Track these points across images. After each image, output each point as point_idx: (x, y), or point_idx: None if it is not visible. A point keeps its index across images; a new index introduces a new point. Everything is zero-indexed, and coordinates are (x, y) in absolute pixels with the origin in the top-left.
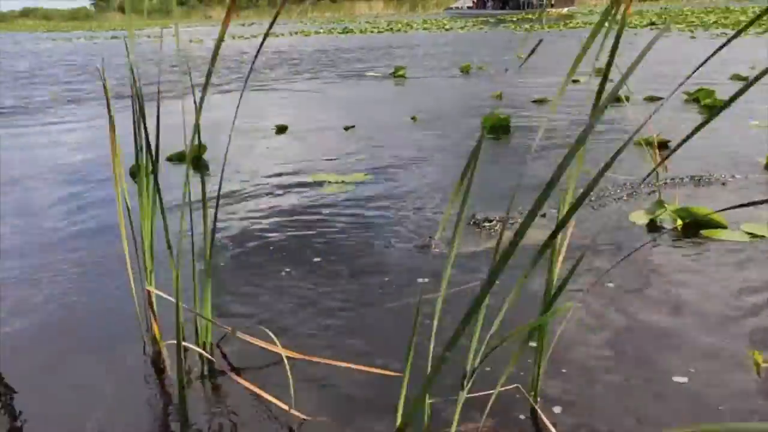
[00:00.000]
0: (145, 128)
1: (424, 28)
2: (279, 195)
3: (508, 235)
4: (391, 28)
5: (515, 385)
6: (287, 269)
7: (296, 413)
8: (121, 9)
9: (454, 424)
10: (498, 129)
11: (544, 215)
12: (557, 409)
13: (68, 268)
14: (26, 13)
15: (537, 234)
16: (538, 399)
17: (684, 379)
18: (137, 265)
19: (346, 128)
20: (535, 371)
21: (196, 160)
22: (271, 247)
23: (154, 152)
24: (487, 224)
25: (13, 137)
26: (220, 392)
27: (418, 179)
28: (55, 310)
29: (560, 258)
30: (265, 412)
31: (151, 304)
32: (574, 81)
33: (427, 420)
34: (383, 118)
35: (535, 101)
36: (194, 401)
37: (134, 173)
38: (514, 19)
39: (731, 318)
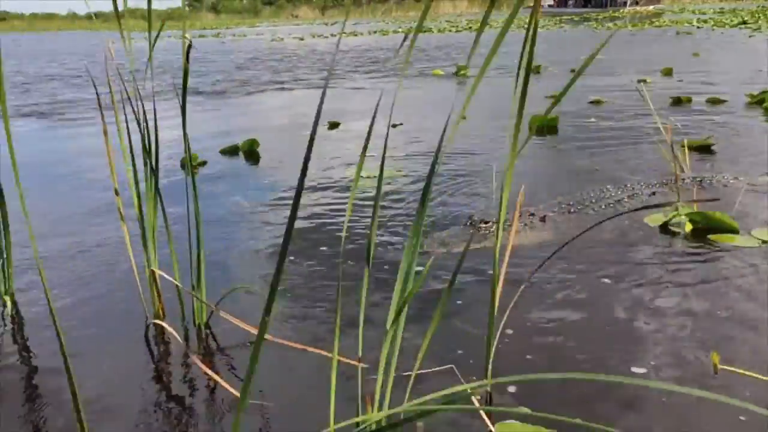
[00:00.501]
0: (184, 126)
1: (496, 27)
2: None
3: (503, 236)
4: (470, 27)
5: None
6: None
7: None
8: (213, 9)
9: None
10: (544, 129)
11: (543, 218)
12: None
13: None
14: (129, 13)
15: (532, 236)
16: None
17: (642, 370)
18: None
19: (394, 126)
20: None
21: (249, 153)
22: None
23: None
24: (483, 225)
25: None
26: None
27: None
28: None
29: (506, 258)
30: (220, 394)
31: (155, 282)
32: (642, 81)
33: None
34: (432, 116)
35: (591, 102)
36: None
37: (183, 165)
38: (598, 17)
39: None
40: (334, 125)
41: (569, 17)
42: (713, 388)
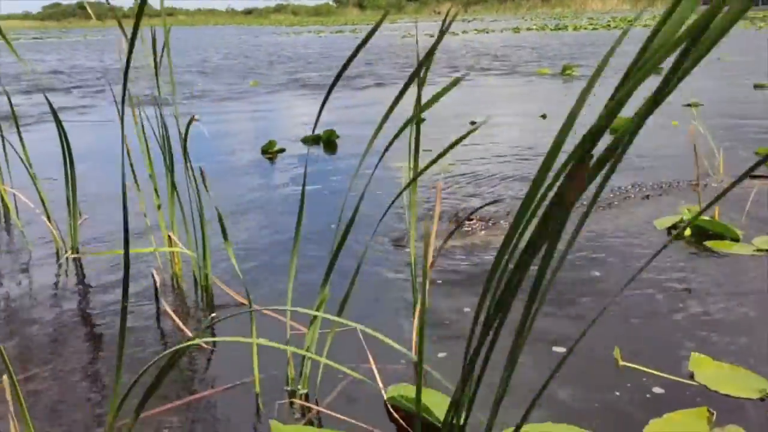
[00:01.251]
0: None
1: (644, 25)
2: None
3: (485, 234)
4: (608, 25)
5: None
6: None
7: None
8: (359, 5)
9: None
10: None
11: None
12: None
13: None
14: (279, 9)
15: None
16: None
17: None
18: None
19: (472, 123)
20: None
21: (327, 142)
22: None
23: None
24: (466, 223)
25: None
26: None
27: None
28: None
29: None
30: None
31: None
32: (759, 86)
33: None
34: (517, 113)
35: (687, 105)
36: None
37: (264, 151)
38: (747, 16)
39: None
40: (473, 122)
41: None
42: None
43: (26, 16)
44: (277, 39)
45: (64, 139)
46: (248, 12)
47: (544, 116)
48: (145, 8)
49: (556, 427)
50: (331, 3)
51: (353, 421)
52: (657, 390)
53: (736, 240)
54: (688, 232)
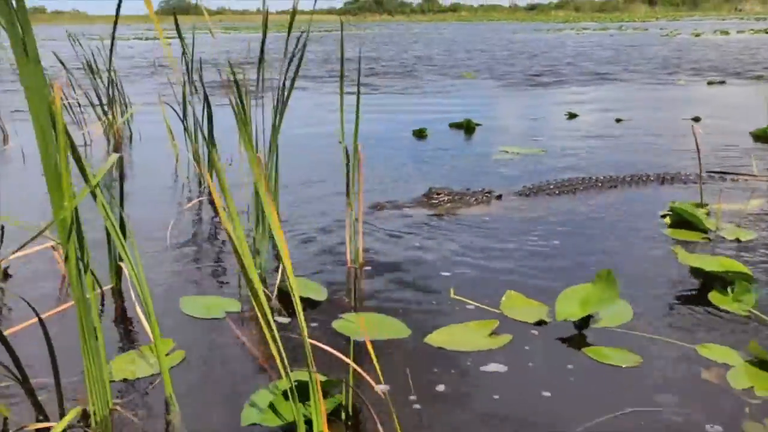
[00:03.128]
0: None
1: None
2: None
3: (450, 206)
4: None
5: None
6: None
7: None
8: (649, 1)
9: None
10: None
11: (500, 196)
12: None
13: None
14: (561, 5)
15: (477, 209)
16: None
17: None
18: None
19: (571, 115)
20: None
21: (467, 128)
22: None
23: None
24: (435, 197)
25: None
26: None
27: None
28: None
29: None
30: None
31: None
32: None
33: None
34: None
35: None
36: None
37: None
38: None
39: None
40: (572, 116)
41: None
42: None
43: (330, 11)
44: (537, 36)
45: None
46: (531, 8)
47: None
48: (431, 5)
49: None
50: None
51: None
52: (470, 309)
53: (705, 231)
54: (668, 220)
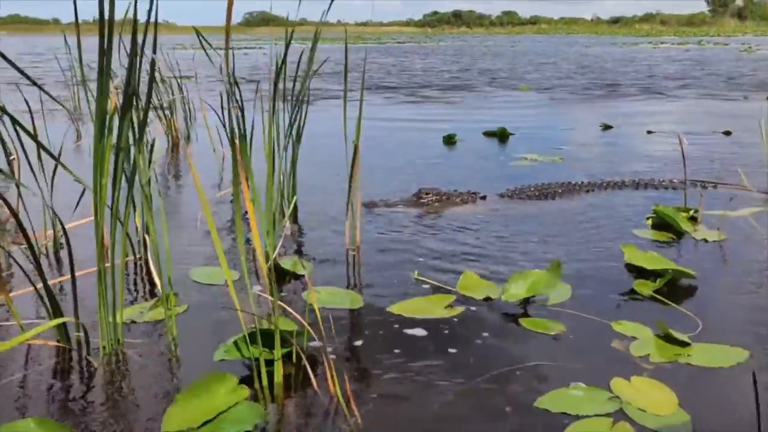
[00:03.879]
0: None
1: None
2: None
3: (438, 206)
4: None
5: None
6: None
7: None
8: (738, 15)
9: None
10: None
11: (484, 197)
12: None
13: None
14: (646, 18)
15: (461, 208)
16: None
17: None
18: None
19: (605, 127)
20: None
21: (501, 136)
22: None
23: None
24: (424, 196)
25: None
26: None
27: None
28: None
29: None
30: None
31: None
32: None
33: None
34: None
35: None
36: None
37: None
38: None
39: None
40: (607, 127)
41: None
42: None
43: (408, 22)
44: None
45: None
46: (614, 21)
47: None
48: (510, 17)
49: None
50: (706, 12)
51: None
52: (430, 288)
53: (680, 233)
54: (649, 222)
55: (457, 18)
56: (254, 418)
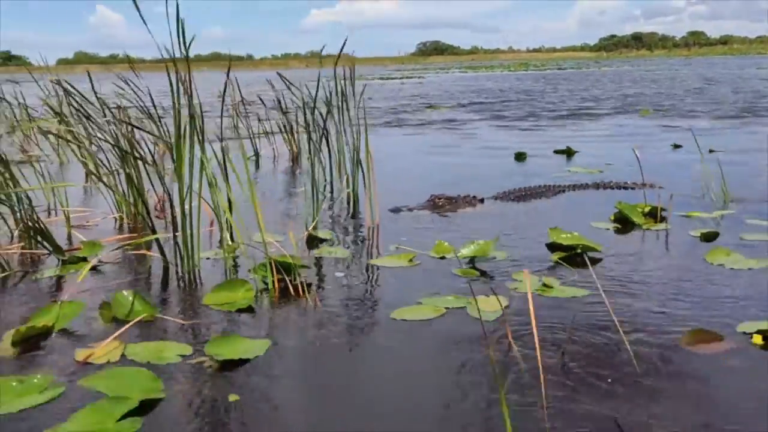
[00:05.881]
0: None
1: None
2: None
3: (448, 207)
4: None
5: None
6: None
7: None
8: None
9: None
10: None
11: (482, 200)
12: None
13: None
14: None
15: (463, 209)
16: None
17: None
18: None
19: (675, 146)
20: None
21: (568, 153)
22: None
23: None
24: (437, 200)
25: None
26: None
27: None
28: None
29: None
30: None
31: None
32: None
33: None
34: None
35: None
36: None
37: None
38: None
39: None
40: (677, 146)
41: None
42: None
43: (583, 47)
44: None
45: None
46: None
47: None
48: (697, 38)
49: None
50: None
51: None
52: (411, 251)
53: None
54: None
55: (637, 40)
56: (251, 302)
